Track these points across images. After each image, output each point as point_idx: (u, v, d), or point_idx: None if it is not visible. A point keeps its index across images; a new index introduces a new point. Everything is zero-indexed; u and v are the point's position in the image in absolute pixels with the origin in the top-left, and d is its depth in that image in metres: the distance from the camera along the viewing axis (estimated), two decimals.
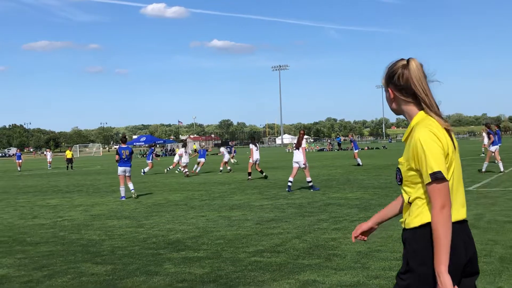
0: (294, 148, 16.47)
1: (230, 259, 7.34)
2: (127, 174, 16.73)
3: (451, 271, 2.51)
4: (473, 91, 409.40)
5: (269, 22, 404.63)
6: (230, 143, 37.57)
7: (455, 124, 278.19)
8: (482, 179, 17.78)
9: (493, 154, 20.94)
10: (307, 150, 74.84)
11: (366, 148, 71.70)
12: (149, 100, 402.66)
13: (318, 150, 71.70)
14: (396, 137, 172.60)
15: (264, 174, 22.79)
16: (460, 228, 2.63)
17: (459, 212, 2.65)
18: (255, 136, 25.57)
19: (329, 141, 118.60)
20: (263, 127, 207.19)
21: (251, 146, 23.57)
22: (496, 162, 20.85)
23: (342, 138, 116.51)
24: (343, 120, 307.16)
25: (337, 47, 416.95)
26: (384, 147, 73.11)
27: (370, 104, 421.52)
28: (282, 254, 7.47)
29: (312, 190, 16.31)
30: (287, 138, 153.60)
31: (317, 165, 31.64)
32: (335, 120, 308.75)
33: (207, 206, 13.49)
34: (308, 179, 16.51)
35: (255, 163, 23.07)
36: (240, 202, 14.15)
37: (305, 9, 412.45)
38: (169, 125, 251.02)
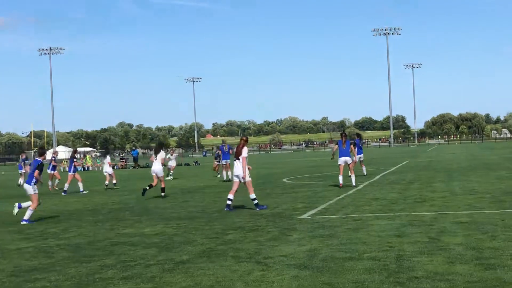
0: (234, 159, 18.37)
1: None
2: None
3: None
4: (312, 93, 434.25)
5: None
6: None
7: (289, 131, 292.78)
8: (318, 203, 18.94)
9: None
10: (90, 168, 73.75)
11: None
12: None
13: None
14: (213, 148, 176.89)
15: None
16: None
17: None
18: (163, 143, 26.36)
19: (121, 155, 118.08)
20: (27, 135, 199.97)
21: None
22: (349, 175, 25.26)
23: (140, 151, 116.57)
24: (142, 126, 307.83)
25: (136, 25, 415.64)
26: (196, 163, 73.71)
27: (178, 104, 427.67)
28: None
29: (258, 209, 17.95)
30: (63, 151, 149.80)
31: (103, 189, 31.26)
32: (130, 126, 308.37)
33: None
34: (252, 195, 18.22)
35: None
36: None
37: None
38: None
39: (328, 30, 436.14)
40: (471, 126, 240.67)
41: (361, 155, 31.76)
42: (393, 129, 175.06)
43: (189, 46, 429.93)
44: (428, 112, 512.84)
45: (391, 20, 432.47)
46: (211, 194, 24.97)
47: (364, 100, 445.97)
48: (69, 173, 31.58)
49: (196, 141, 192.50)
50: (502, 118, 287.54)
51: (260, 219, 15.84)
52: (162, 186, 24.44)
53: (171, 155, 41.96)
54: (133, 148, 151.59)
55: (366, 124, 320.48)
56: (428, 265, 9.20)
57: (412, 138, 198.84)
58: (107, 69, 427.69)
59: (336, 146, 25.68)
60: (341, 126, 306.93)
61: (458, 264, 9.15)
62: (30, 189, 17.82)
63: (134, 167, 69.31)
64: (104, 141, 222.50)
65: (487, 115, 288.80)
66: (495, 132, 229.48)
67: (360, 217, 15.16)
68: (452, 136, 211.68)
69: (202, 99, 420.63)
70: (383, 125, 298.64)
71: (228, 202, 18.27)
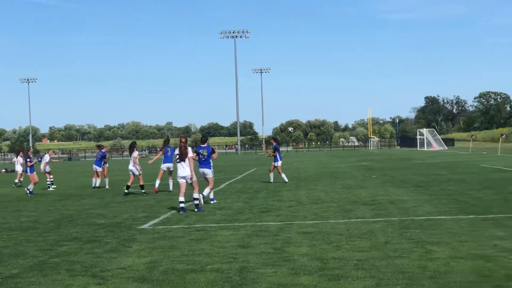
0: (178, 160, 19.26)
1: None
2: None
3: None
4: (156, 96, 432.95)
5: None
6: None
7: (132, 137, 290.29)
8: (160, 213, 18.90)
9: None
10: None
11: (3, 171, 69.75)
12: None
13: None
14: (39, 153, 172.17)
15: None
16: None
17: None
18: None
19: None
20: None
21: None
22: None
23: None
24: None
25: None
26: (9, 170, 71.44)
27: (11, 106, 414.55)
28: None
29: (196, 210, 18.89)
30: None
31: None
32: None
33: None
34: (196, 195, 19.26)
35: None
36: None
37: None
38: None
39: (174, 30, 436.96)
40: (319, 133, 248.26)
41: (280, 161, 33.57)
42: (241, 135, 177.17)
43: (24, 43, 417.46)
44: (277, 118, 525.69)
45: (239, 22, 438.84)
46: (45, 202, 24.36)
47: (211, 105, 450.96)
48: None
49: (31, 145, 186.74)
50: (350, 126, 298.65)
51: (99, 229, 15.62)
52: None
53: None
54: None
55: (213, 130, 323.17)
56: (272, 276, 9.37)
57: (260, 145, 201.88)
58: None
59: (162, 152, 27.96)
60: (186, 131, 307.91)
61: (303, 275, 9.38)
62: (210, 172, 21.16)
63: None
64: None
65: (336, 123, 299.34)
66: (343, 139, 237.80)
67: (203, 227, 15.25)
68: (301, 143, 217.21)
69: (38, 101, 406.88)
70: (230, 131, 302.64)
71: (181, 205, 18.87)
